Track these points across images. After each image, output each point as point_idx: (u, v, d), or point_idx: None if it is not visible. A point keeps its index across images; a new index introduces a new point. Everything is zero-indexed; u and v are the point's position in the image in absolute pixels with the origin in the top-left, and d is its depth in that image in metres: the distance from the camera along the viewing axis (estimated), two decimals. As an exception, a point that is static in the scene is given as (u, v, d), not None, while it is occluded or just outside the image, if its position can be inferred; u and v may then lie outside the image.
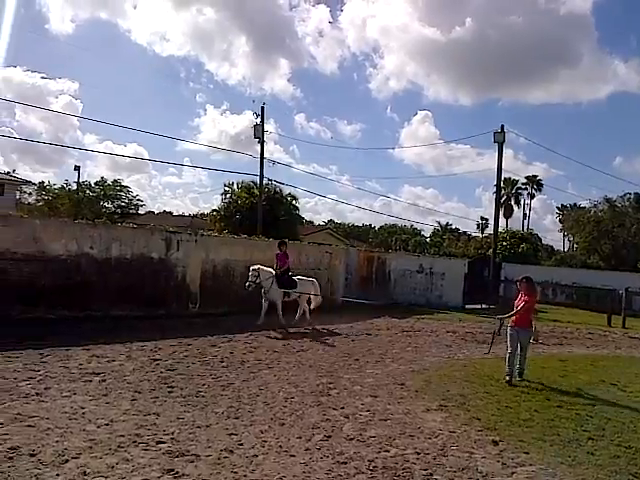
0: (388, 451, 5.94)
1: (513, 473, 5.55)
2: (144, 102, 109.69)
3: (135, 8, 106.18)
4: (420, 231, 73.62)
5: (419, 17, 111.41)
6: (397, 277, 24.06)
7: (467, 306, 25.02)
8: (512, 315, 9.87)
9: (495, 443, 6.36)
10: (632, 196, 48.67)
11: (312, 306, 15.66)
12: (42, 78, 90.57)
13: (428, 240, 70.80)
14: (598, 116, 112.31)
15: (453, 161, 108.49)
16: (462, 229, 70.76)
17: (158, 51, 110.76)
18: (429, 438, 6.46)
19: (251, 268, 14.54)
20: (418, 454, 5.89)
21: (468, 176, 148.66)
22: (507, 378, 9.39)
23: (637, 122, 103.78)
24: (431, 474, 5.37)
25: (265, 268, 14.62)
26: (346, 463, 5.51)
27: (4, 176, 46.14)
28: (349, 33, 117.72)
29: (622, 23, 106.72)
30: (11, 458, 4.94)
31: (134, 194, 45.90)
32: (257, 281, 14.35)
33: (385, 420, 7.04)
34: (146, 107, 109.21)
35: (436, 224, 71.39)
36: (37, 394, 7.10)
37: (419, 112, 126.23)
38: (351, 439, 6.26)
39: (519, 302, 9.89)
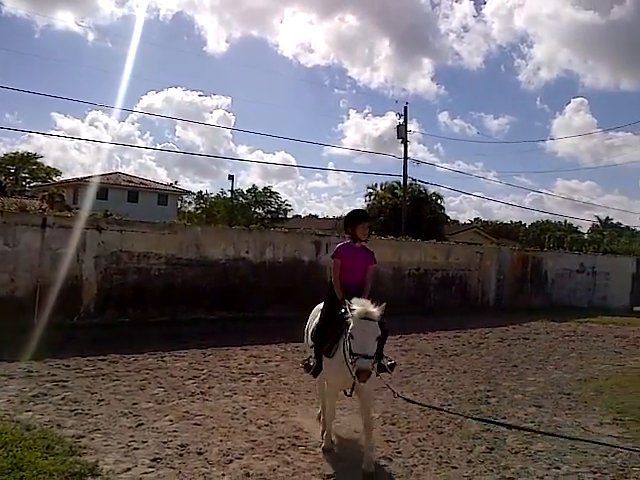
0: (559, 468, 5.44)
1: None
2: (291, 112, 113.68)
3: (282, 22, 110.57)
4: (577, 227, 68.71)
5: (572, 2, 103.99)
6: (555, 277, 22.53)
7: (635, 308, 22.79)
8: None
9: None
10: None
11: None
12: (199, 96, 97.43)
13: (586, 237, 65.80)
14: None
15: (613, 150, 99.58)
16: (625, 224, 64.89)
17: (303, 62, 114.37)
18: (605, 456, 5.82)
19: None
20: (594, 473, 5.33)
21: (631, 166, 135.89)
22: None
23: None
24: (609, 498, 4.82)
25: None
26: (513, 478, 5.12)
27: (167, 187, 50.36)
28: (494, 25, 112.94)
29: None
30: (181, 455, 5.19)
31: (283, 199, 48.02)
32: None
33: (552, 434, 6.49)
34: (293, 116, 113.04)
35: (594, 219, 66.22)
36: (201, 393, 7.50)
37: (573, 100, 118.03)
38: (516, 452, 5.82)
39: None
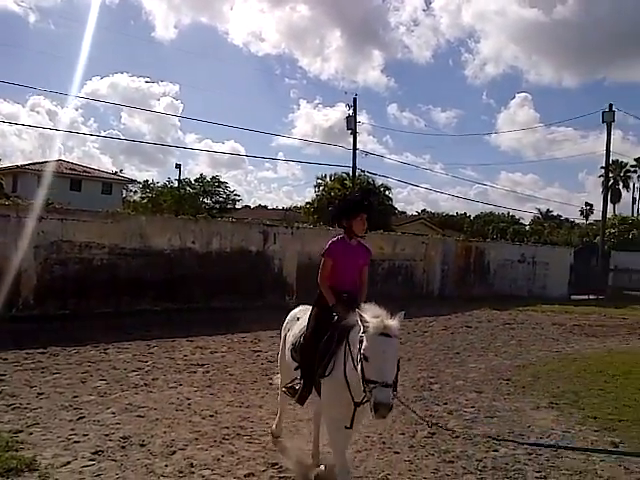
0: (497, 450, 5.64)
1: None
2: (241, 101, 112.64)
3: (232, 9, 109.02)
4: (519, 219, 70.74)
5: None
6: (497, 267, 23.19)
7: (573, 297, 23.74)
8: None
9: (615, 445, 5.89)
10: None
11: None
12: (146, 82, 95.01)
13: (527, 228, 67.88)
14: None
15: (554, 145, 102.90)
16: (564, 216, 67.29)
17: (254, 50, 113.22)
18: (541, 438, 6.08)
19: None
20: (529, 454, 5.55)
21: (571, 160, 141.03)
22: None
23: None
24: (545, 477, 5.03)
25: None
26: (453, 462, 5.28)
27: (112, 176, 49.10)
28: (443, 20, 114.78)
29: None
30: (123, 447, 5.12)
31: (231, 189, 47.44)
32: None
33: (492, 417, 6.72)
34: (243, 105, 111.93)
35: (536, 211, 68.38)
36: (145, 384, 7.39)
37: (517, 95, 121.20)
38: (457, 437, 6.00)
39: None
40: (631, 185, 73.28)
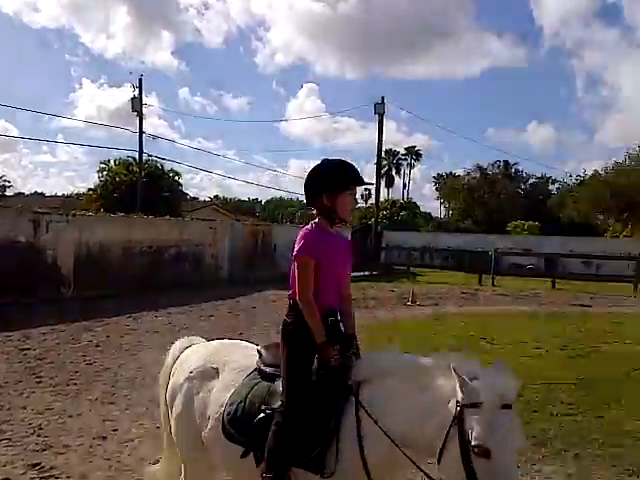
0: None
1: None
2: (11, 76, 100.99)
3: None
4: (307, 203, 74.54)
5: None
6: (283, 250, 24.13)
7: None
8: None
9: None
10: (501, 164, 52.23)
11: None
12: None
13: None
14: (474, 89, 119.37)
15: (339, 134, 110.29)
16: (347, 200, 72.45)
17: (27, 21, 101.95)
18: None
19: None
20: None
21: (353, 148, 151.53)
22: None
23: (507, 96, 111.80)
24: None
25: None
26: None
27: None
28: (233, 6, 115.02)
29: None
30: None
31: (0, 174, 42.56)
32: None
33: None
34: (14, 82, 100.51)
35: (322, 196, 72.61)
36: None
37: (305, 85, 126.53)
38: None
39: None
40: (402, 172, 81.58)
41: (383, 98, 31.63)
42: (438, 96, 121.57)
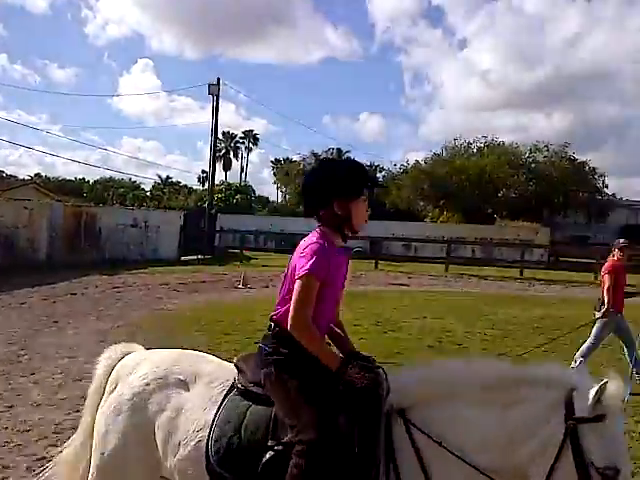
0: (78, 411, 5.71)
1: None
2: None
3: None
4: (140, 184, 71.40)
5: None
6: (109, 232, 22.96)
7: (183, 258, 25.20)
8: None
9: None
10: (335, 151, 54.38)
11: None
12: None
13: (148, 194, 69.08)
14: (311, 78, 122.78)
15: (175, 113, 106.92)
16: (184, 182, 70.68)
17: None
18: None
19: None
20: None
21: (190, 129, 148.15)
22: None
23: (343, 85, 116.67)
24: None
25: None
26: (29, 430, 5.18)
27: None
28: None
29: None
30: None
31: None
32: None
33: (80, 380, 6.74)
34: None
35: (157, 178, 69.96)
36: None
37: (140, 60, 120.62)
38: (38, 405, 5.89)
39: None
40: (240, 155, 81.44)
41: (219, 79, 31.17)
42: (277, 82, 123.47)
